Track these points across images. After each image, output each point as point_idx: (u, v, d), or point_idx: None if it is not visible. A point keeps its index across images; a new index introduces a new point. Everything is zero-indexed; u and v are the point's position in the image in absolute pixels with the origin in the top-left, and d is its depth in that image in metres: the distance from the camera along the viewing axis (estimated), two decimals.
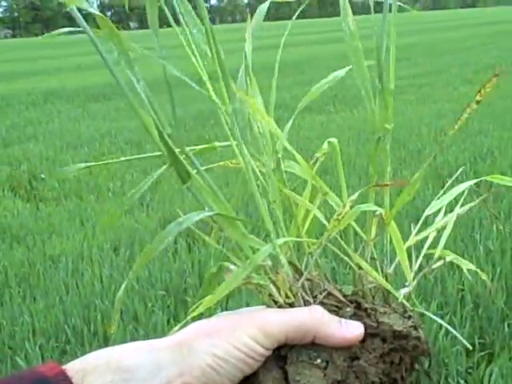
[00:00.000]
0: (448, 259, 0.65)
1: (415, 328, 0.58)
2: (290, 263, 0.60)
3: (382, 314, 0.58)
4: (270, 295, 0.59)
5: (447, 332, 2.56)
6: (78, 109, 10.28)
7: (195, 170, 0.62)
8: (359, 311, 0.59)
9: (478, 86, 0.62)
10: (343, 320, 0.56)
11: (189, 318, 0.60)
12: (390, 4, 0.64)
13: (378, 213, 0.64)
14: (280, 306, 0.59)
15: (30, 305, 3.17)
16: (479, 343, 2.56)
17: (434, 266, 0.66)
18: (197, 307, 0.60)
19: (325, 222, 0.62)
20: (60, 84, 14.02)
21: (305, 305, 0.58)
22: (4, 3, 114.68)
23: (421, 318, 0.62)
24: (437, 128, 6.69)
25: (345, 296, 0.60)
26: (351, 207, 0.59)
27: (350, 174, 5.08)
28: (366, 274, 0.60)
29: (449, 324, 2.64)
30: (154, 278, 3.38)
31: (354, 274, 0.62)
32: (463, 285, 2.95)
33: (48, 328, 2.93)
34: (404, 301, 0.61)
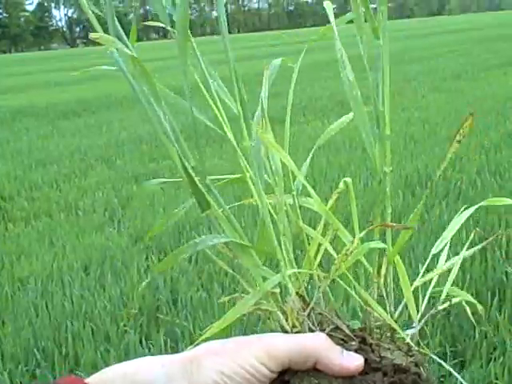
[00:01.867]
0: (454, 301, 0.69)
1: (416, 364, 0.61)
2: (298, 293, 0.64)
3: (386, 349, 0.60)
4: (278, 322, 0.63)
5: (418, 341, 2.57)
6: (48, 126, 10.18)
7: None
8: (364, 346, 0.61)
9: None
10: (345, 350, 0.59)
11: (199, 340, 0.63)
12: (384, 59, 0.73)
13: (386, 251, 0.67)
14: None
15: None
16: (451, 351, 2.58)
17: (440, 307, 0.68)
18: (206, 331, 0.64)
19: (335, 256, 0.64)
20: (29, 101, 13.88)
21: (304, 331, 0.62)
22: None
23: (425, 358, 0.64)
24: (406, 136, 6.75)
25: (352, 331, 0.62)
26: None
27: (322, 185, 5.10)
28: (373, 310, 0.63)
29: (420, 332, 2.66)
30: (126, 296, 3.35)
31: (361, 310, 0.64)
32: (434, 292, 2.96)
33: (17, 352, 2.87)
34: (409, 340, 0.63)
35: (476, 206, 0.75)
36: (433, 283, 0.70)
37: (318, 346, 0.57)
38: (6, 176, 6.59)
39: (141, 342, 2.88)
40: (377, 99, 0.68)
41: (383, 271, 0.67)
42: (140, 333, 2.96)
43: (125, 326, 3.00)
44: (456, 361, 2.54)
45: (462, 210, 0.75)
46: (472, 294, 2.55)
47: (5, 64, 37.00)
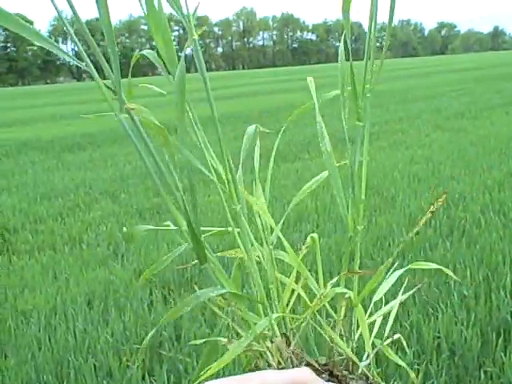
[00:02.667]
0: (396, 337, 0.81)
1: None
2: (284, 334, 0.73)
3: (351, 379, 0.70)
4: (266, 360, 0.71)
5: (424, 381, 2.56)
6: (53, 159, 10.26)
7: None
8: (332, 378, 0.71)
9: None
10: (323, 381, 0.65)
11: (201, 379, 0.69)
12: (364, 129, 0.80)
13: (347, 296, 0.78)
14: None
15: (0, 362, 3.09)
16: None
17: (385, 343, 0.78)
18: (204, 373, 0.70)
19: (307, 300, 0.76)
20: (35, 134, 13.99)
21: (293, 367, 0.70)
22: None
23: None
24: (410, 174, 6.78)
25: (321, 365, 0.71)
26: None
27: (326, 222, 5.12)
28: (337, 346, 0.73)
29: (425, 373, 2.64)
30: (129, 331, 3.33)
31: (327, 345, 0.74)
32: (439, 332, 2.95)
33: None
34: (365, 370, 0.72)
35: (405, 268, 0.85)
36: (378, 324, 0.81)
37: (306, 378, 0.62)
38: (11, 209, 6.62)
39: (143, 377, 2.86)
40: (353, 167, 0.78)
41: (345, 313, 0.78)
42: (143, 368, 2.94)
43: (127, 361, 2.99)
44: None
45: (407, 268, 0.85)
46: (477, 334, 2.53)
47: (12, 97, 37.38)
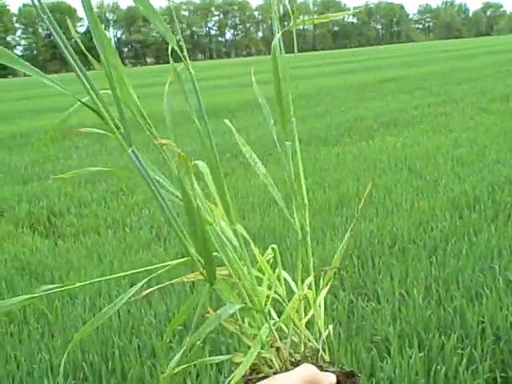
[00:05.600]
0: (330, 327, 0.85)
1: (352, 371, 0.78)
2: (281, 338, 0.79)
3: (327, 367, 0.77)
4: (269, 365, 0.76)
5: (467, 366, 2.53)
6: (96, 144, 10.41)
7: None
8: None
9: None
10: (323, 373, 0.74)
11: None
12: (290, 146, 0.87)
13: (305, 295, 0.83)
14: (275, 372, 0.75)
15: (48, 342, 3.18)
16: (501, 377, 2.52)
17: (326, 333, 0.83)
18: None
19: (282, 302, 0.81)
20: (79, 120, 14.20)
21: (290, 367, 0.76)
22: (23, 41, 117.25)
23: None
24: (454, 157, 6.67)
25: (298, 360, 0.78)
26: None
27: (367, 206, 5.08)
28: (308, 340, 0.80)
29: (469, 357, 2.61)
30: (172, 312, 3.38)
31: (299, 340, 0.80)
32: (483, 317, 2.91)
33: (66, 365, 2.92)
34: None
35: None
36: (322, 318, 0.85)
37: (315, 373, 0.72)
38: (56, 193, 6.75)
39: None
40: (291, 177, 0.84)
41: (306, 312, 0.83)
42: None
43: (170, 341, 3.03)
44: None
45: None
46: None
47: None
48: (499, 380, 2.50)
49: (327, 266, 0.86)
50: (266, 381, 0.73)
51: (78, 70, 0.73)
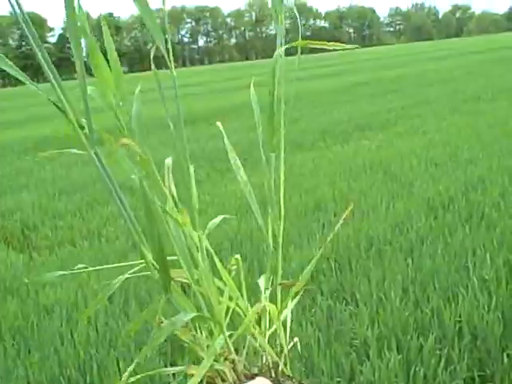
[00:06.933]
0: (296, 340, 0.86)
1: None
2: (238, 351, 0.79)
3: (283, 381, 0.77)
4: (223, 379, 0.76)
5: (446, 366, 2.54)
6: (72, 155, 10.29)
7: None
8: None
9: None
10: None
11: None
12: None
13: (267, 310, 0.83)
14: None
15: (24, 358, 3.13)
16: (479, 376, 2.54)
17: (288, 347, 0.83)
18: None
19: (243, 315, 0.81)
20: (52, 131, 14.07)
21: (244, 381, 0.76)
22: None
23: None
24: (427, 159, 6.72)
25: (254, 374, 0.78)
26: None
27: (344, 210, 5.09)
28: (268, 353, 0.79)
29: (447, 358, 2.63)
30: (150, 323, 3.35)
31: (257, 354, 0.79)
32: (460, 316, 2.93)
33: (43, 381, 2.88)
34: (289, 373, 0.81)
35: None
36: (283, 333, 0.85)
37: None
38: (30, 205, 6.67)
39: (165, 367, 2.87)
40: (271, 187, 0.85)
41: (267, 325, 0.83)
42: (164, 361, 2.96)
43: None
44: None
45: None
46: (498, 318, 2.51)
47: (27, 95, 37.61)
48: (477, 379, 2.52)
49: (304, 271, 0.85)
50: None
51: (50, 75, 0.73)
